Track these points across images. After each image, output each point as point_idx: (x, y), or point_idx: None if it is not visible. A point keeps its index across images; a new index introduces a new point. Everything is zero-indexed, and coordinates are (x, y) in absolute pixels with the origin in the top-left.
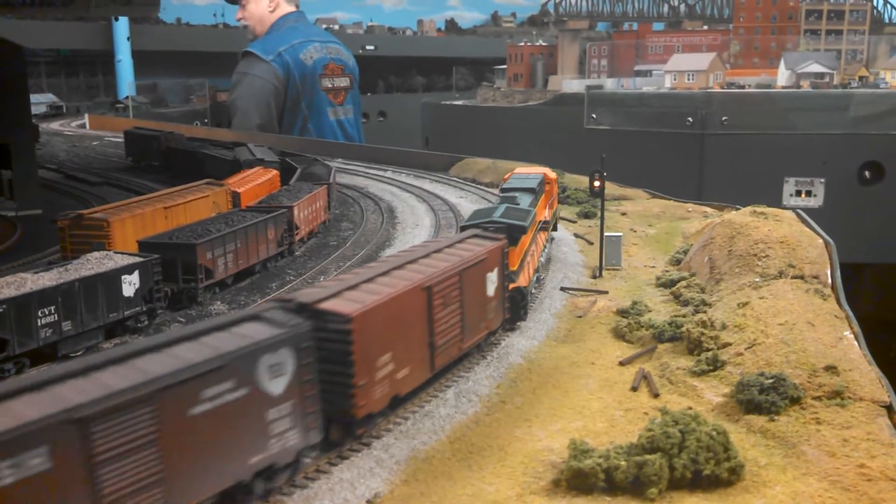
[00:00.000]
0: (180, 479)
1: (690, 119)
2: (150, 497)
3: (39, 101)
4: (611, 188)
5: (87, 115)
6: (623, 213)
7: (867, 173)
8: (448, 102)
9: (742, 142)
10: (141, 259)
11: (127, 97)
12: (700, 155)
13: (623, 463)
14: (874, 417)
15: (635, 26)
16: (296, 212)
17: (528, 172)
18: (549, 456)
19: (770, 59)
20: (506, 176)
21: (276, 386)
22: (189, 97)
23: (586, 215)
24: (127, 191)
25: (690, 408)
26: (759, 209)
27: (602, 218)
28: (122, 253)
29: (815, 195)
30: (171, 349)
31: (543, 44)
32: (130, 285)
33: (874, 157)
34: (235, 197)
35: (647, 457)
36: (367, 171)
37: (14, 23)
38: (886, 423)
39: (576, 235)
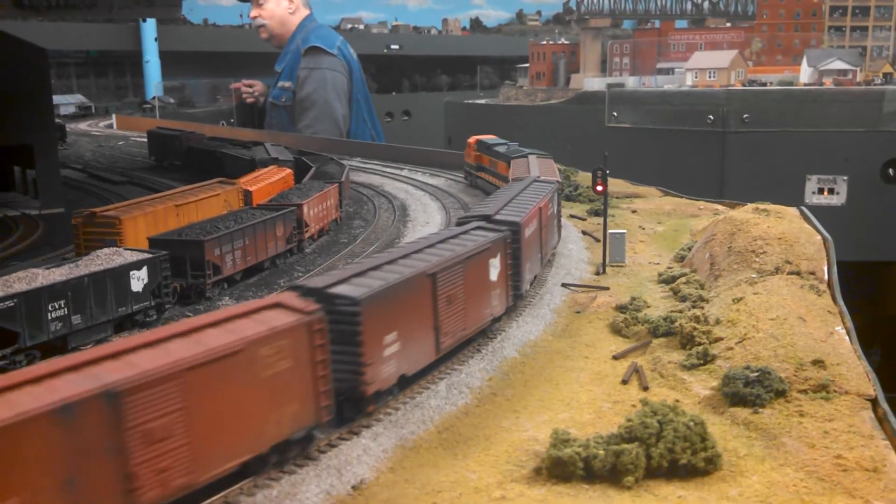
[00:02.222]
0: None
1: (711, 117)
2: (514, 277)
3: (69, 102)
4: (623, 186)
5: (114, 116)
6: (633, 211)
7: (891, 171)
8: (471, 101)
9: (764, 139)
10: (149, 255)
11: (154, 97)
12: (721, 153)
13: (601, 452)
14: (858, 410)
15: (658, 24)
16: (305, 210)
17: (486, 137)
18: (534, 445)
19: (794, 57)
20: (471, 140)
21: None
22: (216, 97)
23: (596, 213)
24: (148, 189)
25: (678, 400)
26: (762, 206)
27: (605, 214)
28: (131, 249)
29: (837, 193)
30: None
31: (566, 42)
32: (139, 281)
33: None
34: (247, 195)
35: (625, 446)
36: (384, 169)
37: (44, 24)
38: (869, 416)
39: (583, 233)
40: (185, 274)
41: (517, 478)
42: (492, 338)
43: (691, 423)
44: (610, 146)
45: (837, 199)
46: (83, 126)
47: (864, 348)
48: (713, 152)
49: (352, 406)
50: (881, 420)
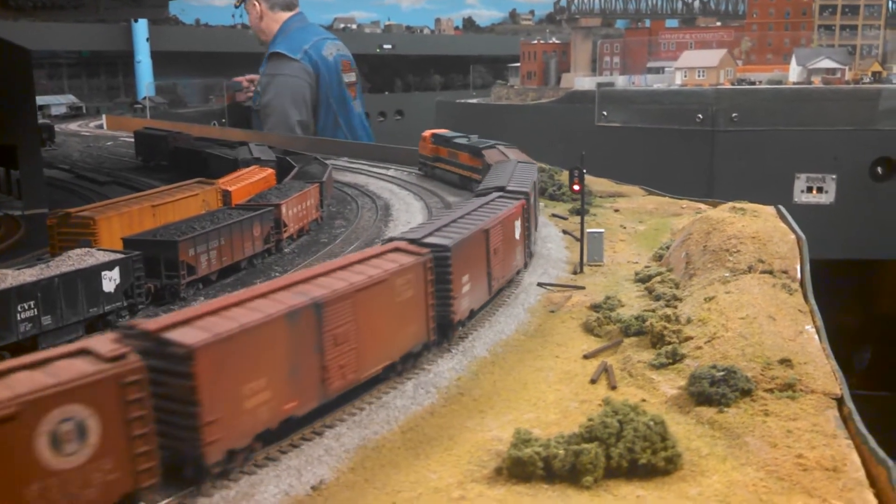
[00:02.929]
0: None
1: (700, 116)
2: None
3: (59, 102)
4: (607, 185)
5: (104, 116)
6: (616, 210)
7: (879, 169)
8: (462, 101)
9: (752, 138)
10: (122, 256)
11: (145, 97)
12: (710, 152)
13: (561, 452)
14: (823, 409)
15: (649, 23)
16: (283, 210)
17: (442, 131)
18: (497, 445)
19: (784, 56)
20: (426, 134)
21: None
22: (208, 97)
23: (578, 212)
24: (133, 190)
25: (644, 399)
26: (738, 205)
27: (582, 213)
28: (104, 250)
29: (826, 191)
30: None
31: (557, 41)
32: (111, 281)
33: (886, 152)
34: (226, 195)
35: (585, 445)
36: (371, 169)
37: (35, 25)
38: (834, 415)
39: (564, 232)
40: (160, 274)
41: (478, 478)
42: (463, 337)
43: (651, 423)
44: (600, 145)
45: (826, 198)
46: (73, 126)
47: (853, 346)
48: (702, 151)
49: (441, 331)
50: (846, 419)
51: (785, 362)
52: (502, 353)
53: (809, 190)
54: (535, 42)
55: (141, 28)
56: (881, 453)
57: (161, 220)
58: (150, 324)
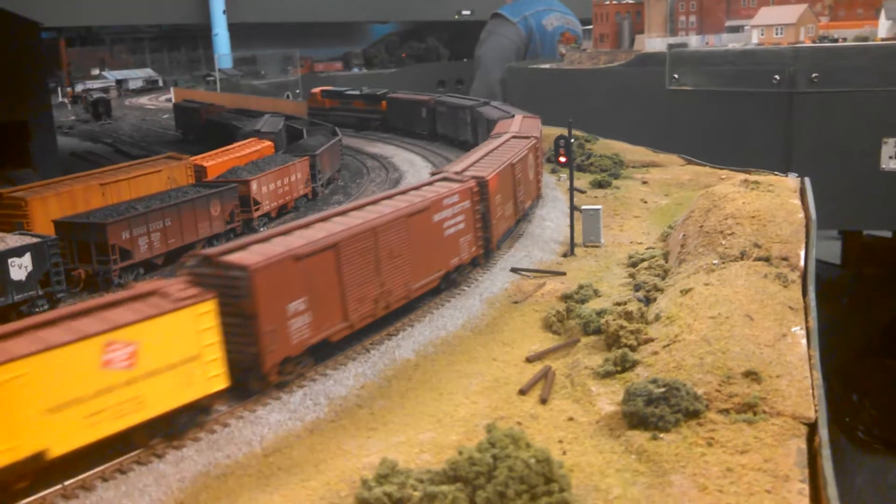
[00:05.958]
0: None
1: (777, 77)
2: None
3: (137, 77)
4: (642, 154)
5: (172, 89)
6: (644, 182)
7: None
8: (534, 66)
9: (834, 100)
10: (35, 241)
11: (217, 70)
12: (788, 115)
13: (417, 494)
14: (785, 439)
15: None
16: (254, 186)
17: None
18: (364, 476)
19: (876, 10)
20: (316, 91)
21: None
22: (286, 68)
23: (600, 185)
24: None
25: (572, 418)
26: (752, 177)
27: (571, 189)
28: (22, 233)
29: None
30: None
31: (631, 1)
32: (21, 268)
33: None
34: (199, 171)
35: (444, 487)
36: (403, 139)
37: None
38: (797, 447)
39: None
40: (92, 259)
41: None
42: (392, 335)
43: (532, 461)
44: (670, 110)
45: None
46: (143, 100)
47: None
48: (780, 115)
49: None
50: (815, 453)
51: (750, 375)
52: (433, 353)
53: None
54: (608, 3)
55: (218, 0)
56: None
57: (113, 199)
58: None
